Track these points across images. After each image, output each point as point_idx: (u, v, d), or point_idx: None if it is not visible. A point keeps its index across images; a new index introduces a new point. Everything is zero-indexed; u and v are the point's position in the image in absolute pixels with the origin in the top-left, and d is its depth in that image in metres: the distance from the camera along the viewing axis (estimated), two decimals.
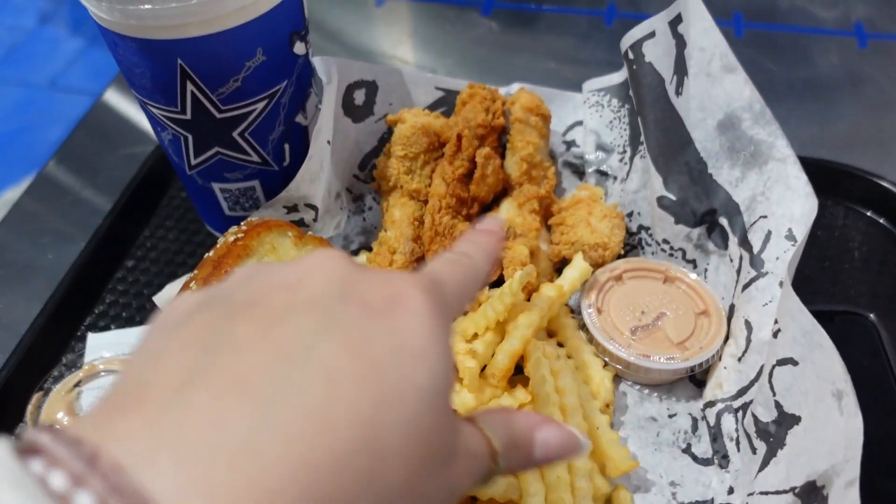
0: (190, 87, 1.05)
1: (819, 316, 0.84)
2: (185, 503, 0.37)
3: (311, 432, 0.40)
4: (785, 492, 0.80)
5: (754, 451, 0.92)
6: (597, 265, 1.14)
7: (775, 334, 0.89)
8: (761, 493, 0.84)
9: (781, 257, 0.99)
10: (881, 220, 1.31)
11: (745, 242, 1.05)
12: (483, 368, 1.03)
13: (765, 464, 0.87)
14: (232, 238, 1.07)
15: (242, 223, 1.11)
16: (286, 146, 1.20)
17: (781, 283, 0.97)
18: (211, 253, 1.06)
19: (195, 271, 1.04)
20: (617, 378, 1.08)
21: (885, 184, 1.30)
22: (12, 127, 3.75)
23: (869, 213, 1.32)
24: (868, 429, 0.76)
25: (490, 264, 0.71)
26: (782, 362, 0.87)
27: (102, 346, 1.27)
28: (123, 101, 1.71)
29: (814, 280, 1.26)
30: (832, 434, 0.78)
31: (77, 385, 1.21)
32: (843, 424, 0.76)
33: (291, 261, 0.55)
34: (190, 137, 1.14)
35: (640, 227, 1.21)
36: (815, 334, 0.82)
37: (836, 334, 1.08)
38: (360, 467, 0.41)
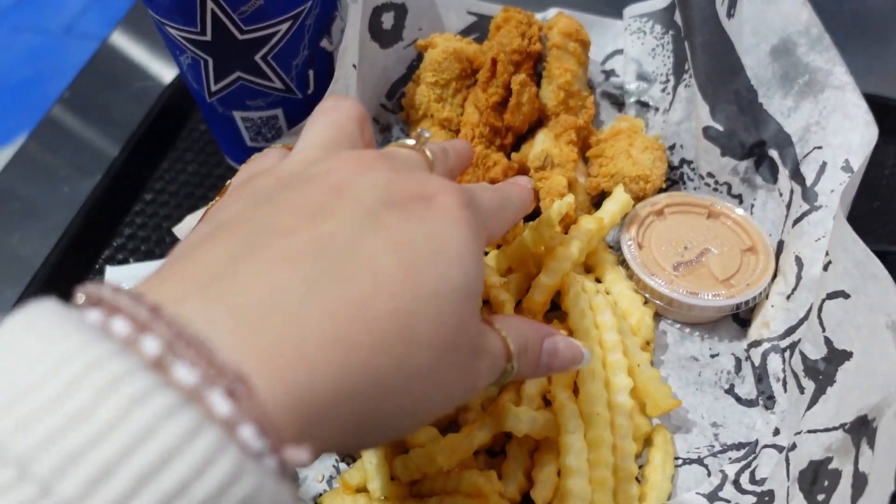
0: (210, 4, 0.99)
1: (880, 256, 0.79)
2: (242, 357, 0.39)
3: (353, 317, 0.43)
4: (834, 428, 0.76)
5: (802, 390, 0.87)
6: (637, 199, 1.08)
7: (825, 267, 0.84)
8: (809, 431, 0.80)
9: (837, 189, 0.93)
10: None
11: (797, 175, 0.99)
12: (518, 303, 0.99)
13: (813, 402, 0.83)
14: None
15: (266, 149, 1.06)
16: (310, 72, 1.14)
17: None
18: (234, 180, 1.01)
19: (216, 198, 0.99)
20: (657, 316, 1.03)
21: None
22: (27, 74, 3.69)
23: None
24: None
25: (524, 204, 0.74)
26: (833, 296, 0.82)
27: (121, 279, 1.24)
28: (132, 43, 1.64)
29: (862, 220, 1.19)
30: (886, 367, 0.73)
31: None
32: None
33: (335, 157, 0.55)
34: (210, 61, 1.09)
35: (683, 161, 1.15)
36: (870, 265, 0.77)
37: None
38: (396, 353, 0.45)
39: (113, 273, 1.24)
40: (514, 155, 1.09)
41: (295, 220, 0.47)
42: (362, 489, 0.89)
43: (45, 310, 0.38)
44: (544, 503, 0.84)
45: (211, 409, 0.37)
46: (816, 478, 0.74)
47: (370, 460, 0.88)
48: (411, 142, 0.65)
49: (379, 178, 0.52)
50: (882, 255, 1.12)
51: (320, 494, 0.92)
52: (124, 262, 1.27)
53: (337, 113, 0.64)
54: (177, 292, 0.42)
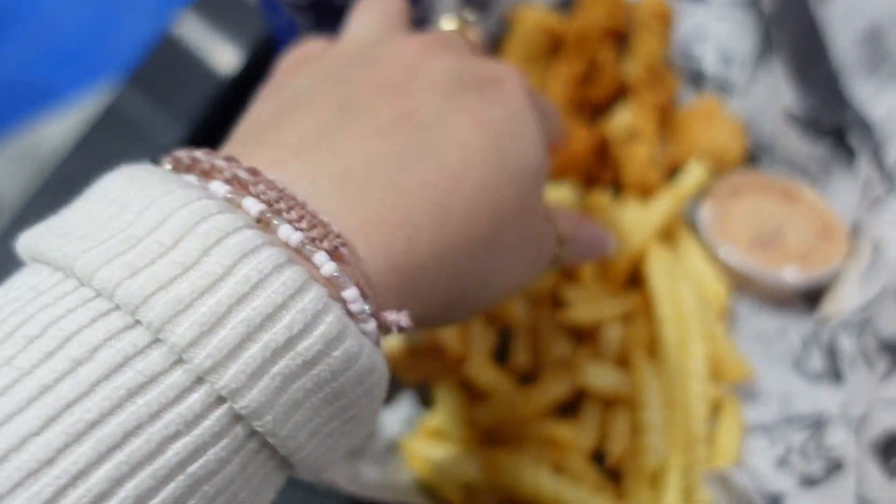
0: None
1: None
2: (345, 220, 0.40)
3: (447, 186, 0.44)
4: None
5: (872, 366, 0.90)
6: (714, 175, 1.11)
7: None
8: (882, 401, 0.82)
9: None
10: None
11: (876, 158, 1.01)
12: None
13: (886, 376, 0.85)
14: None
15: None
16: None
17: None
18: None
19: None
20: (730, 290, 1.06)
21: None
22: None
23: None
24: None
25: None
26: None
27: None
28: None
29: None
30: None
31: None
32: None
33: (397, 39, 0.54)
34: (308, 26, 1.13)
35: (759, 144, 1.17)
36: None
37: None
38: (486, 226, 0.46)
39: None
40: (595, 126, 1.12)
41: (375, 98, 0.47)
42: (440, 433, 0.94)
43: (144, 168, 0.38)
44: (617, 456, 0.88)
45: (316, 268, 0.38)
46: (891, 446, 0.77)
47: (448, 405, 0.92)
48: (453, 26, 0.63)
49: (449, 60, 0.51)
50: None
51: (399, 437, 0.97)
52: None
53: (385, 3, 0.62)
54: (271, 158, 0.42)
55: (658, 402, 0.87)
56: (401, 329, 0.42)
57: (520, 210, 0.49)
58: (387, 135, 0.44)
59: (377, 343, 0.41)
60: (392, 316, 0.41)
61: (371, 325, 0.40)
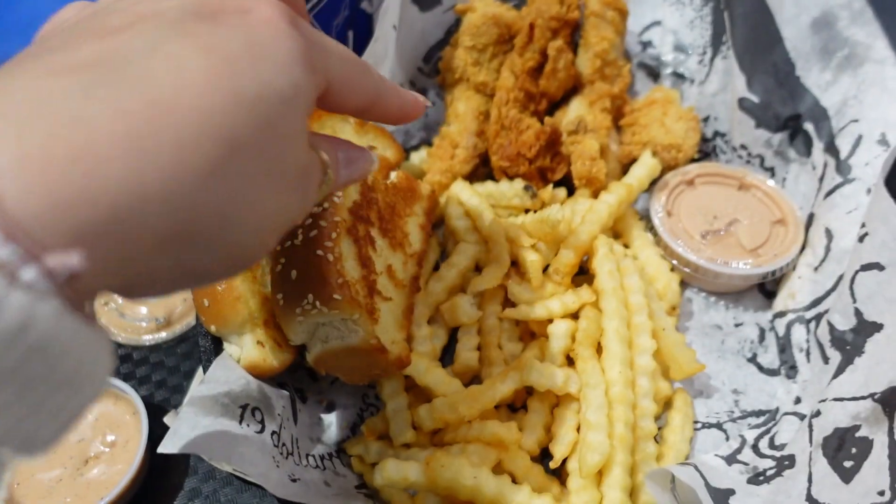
0: None
1: None
2: (24, 169, 0.36)
3: (151, 114, 0.40)
4: (863, 398, 0.76)
5: (826, 360, 0.87)
6: (669, 167, 1.09)
7: (861, 238, 0.84)
8: (835, 399, 0.80)
9: (871, 163, 0.93)
10: None
11: (831, 148, 0.99)
12: (546, 268, 1.00)
13: (839, 371, 0.83)
14: None
15: None
16: (350, 32, 1.16)
17: (869, 190, 0.91)
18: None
19: None
20: (682, 284, 1.04)
21: None
22: None
23: None
24: None
25: (382, 93, 0.64)
26: (867, 267, 0.82)
27: None
28: None
29: None
30: None
31: None
32: None
33: None
34: None
35: (716, 134, 1.15)
36: None
37: None
38: (212, 155, 0.42)
39: None
40: (547, 119, 1.09)
41: (81, 41, 0.43)
42: (384, 436, 0.91)
43: None
44: (562, 457, 0.85)
45: None
46: (842, 445, 0.75)
47: (392, 408, 0.90)
48: None
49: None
50: None
51: (344, 440, 0.94)
52: None
53: None
54: None
55: (602, 401, 0.84)
56: (73, 269, 0.37)
57: (263, 137, 0.45)
58: (73, 72, 0.41)
59: (68, 302, 0.37)
60: (56, 257, 0.36)
61: (31, 273, 0.35)
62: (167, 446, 0.74)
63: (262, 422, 0.82)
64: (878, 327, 0.79)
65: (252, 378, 0.86)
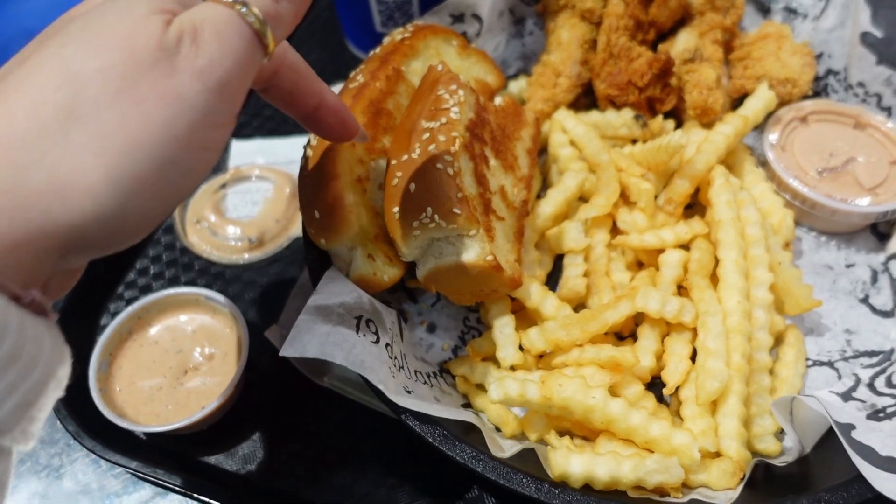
0: None
1: None
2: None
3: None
4: None
5: None
6: (783, 102, 1.05)
7: None
8: None
9: None
10: None
11: None
12: (656, 197, 0.98)
13: None
14: (399, 37, 1.02)
15: (409, 24, 1.06)
16: None
17: None
18: (377, 50, 1.01)
19: (361, 66, 1.00)
20: (795, 223, 1.01)
21: None
22: None
23: None
24: None
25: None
26: None
27: (246, 152, 1.26)
28: None
29: None
30: None
31: (223, 187, 1.21)
32: None
33: None
34: None
35: (829, 72, 1.11)
36: None
37: None
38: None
39: (239, 147, 1.27)
40: (659, 46, 1.06)
41: None
42: (489, 358, 0.90)
43: None
44: (675, 385, 0.84)
45: None
46: None
47: (500, 329, 0.89)
48: None
49: None
50: None
51: (446, 361, 0.94)
52: (250, 137, 1.29)
53: None
54: None
55: (721, 329, 0.83)
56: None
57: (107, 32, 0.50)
58: None
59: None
60: None
61: None
62: (289, 350, 0.74)
63: (376, 332, 0.82)
64: None
65: (363, 292, 0.85)
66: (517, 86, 1.17)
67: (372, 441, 0.93)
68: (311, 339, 0.75)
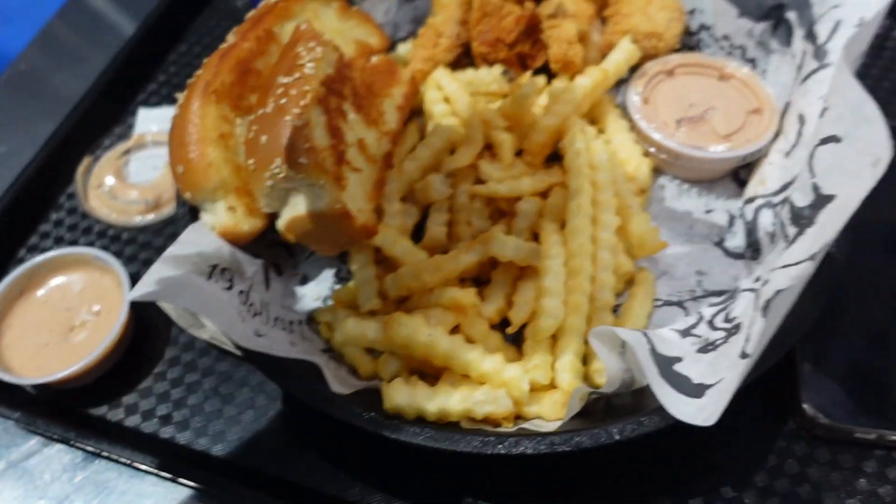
0: None
1: None
2: None
3: None
4: (804, 260, 0.77)
5: (786, 238, 0.88)
6: (649, 56, 1.08)
7: (822, 114, 0.83)
8: (783, 266, 0.81)
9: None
10: None
11: (810, 35, 0.98)
12: (519, 153, 1.01)
13: (791, 243, 0.84)
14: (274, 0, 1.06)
15: None
16: None
17: None
18: (252, 12, 1.04)
19: (234, 28, 1.03)
20: (657, 171, 1.05)
21: None
22: None
23: None
24: None
25: None
26: (825, 141, 0.81)
27: (152, 120, 1.30)
28: None
29: (885, 100, 1.18)
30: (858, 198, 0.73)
31: (126, 153, 1.25)
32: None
33: None
34: None
35: (701, 27, 1.14)
36: (864, 108, 0.76)
37: None
38: None
39: (145, 114, 1.30)
40: (527, 4, 1.09)
41: None
42: (353, 305, 0.94)
43: None
44: (520, 323, 0.88)
45: None
46: (770, 302, 0.76)
47: (361, 277, 0.93)
48: None
49: None
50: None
51: (315, 310, 0.98)
52: (157, 105, 1.33)
53: None
54: None
55: (559, 270, 0.86)
56: None
57: None
58: None
59: None
60: None
61: None
62: (134, 293, 0.78)
63: (230, 280, 0.85)
64: (830, 199, 0.80)
65: (225, 243, 0.89)
66: (406, 48, 1.20)
67: (250, 391, 0.98)
68: (159, 284, 0.79)
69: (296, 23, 1.07)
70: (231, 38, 1.00)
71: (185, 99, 0.94)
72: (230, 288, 0.85)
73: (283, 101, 0.86)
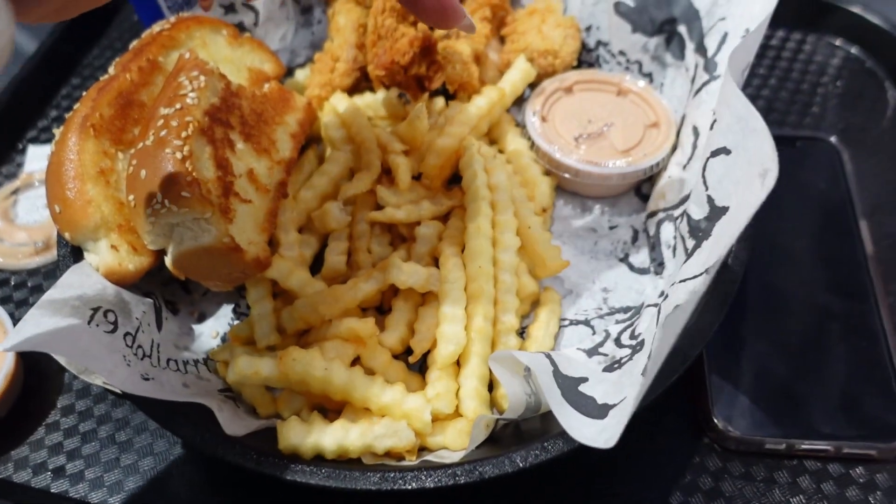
0: None
1: (781, 141, 0.80)
2: None
3: None
4: (699, 275, 0.77)
5: (686, 251, 0.88)
6: (546, 74, 1.08)
7: (712, 126, 0.84)
8: (681, 280, 0.81)
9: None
10: (858, 54, 1.25)
11: (700, 48, 0.99)
12: (418, 177, 0.99)
13: (689, 256, 0.84)
14: (158, 28, 1.02)
15: (171, 17, 1.05)
16: None
17: None
18: (135, 42, 1.00)
19: (116, 58, 0.99)
20: (559, 190, 1.04)
21: (870, 17, 1.24)
22: None
23: (851, 50, 1.26)
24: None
25: None
26: (716, 153, 0.82)
27: (42, 157, 1.24)
28: None
29: (782, 110, 1.20)
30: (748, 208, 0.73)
31: (14, 192, 1.19)
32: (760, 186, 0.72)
33: None
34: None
35: (599, 43, 1.15)
36: (750, 119, 0.77)
37: (797, 158, 1.04)
38: None
39: (35, 152, 1.24)
40: (420, 26, 1.08)
41: None
42: (251, 342, 0.90)
43: None
44: (422, 351, 0.85)
45: None
46: (668, 318, 0.76)
47: (257, 312, 0.89)
48: None
49: None
50: (795, 140, 1.13)
51: (211, 349, 0.93)
52: (47, 143, 1.27)
53: None
54: None
55: (458, 295, 0.84)
56: None
57: None
58: None
59: None
60: None
61: None
62: (6, 343, 0.73)
63: (114, 323, 0.81)
64: (724, 211, 0.80)
65: (109, 284, 0.85)
66: (304, 74, 1.18)
67: (150, 437, 0.93)
68: (35, 332, 0.74)
69: (181, 52, 1.03)
70: (112, 69, 0.96)
71: (62, 134, 0.89)
72: (114, 331, 0.80)
73: (164, 132, 0.83)
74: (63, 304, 0.78)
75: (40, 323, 0.75)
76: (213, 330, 0.96)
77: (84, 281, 0.83)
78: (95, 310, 0.80)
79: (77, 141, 0.87)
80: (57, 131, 0.91)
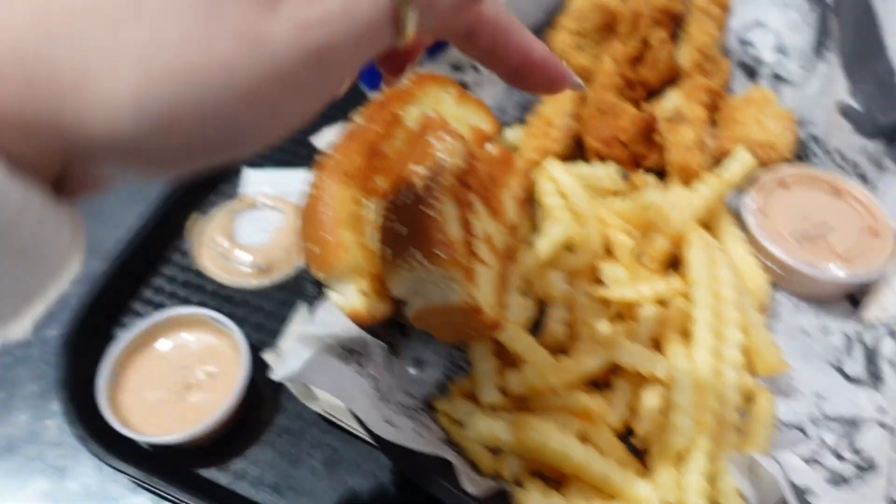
0: None
1: None
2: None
3: None
4: None
5: None
6: (762, 165, 1.10)
7: None
8: None
9: None
10: None
11: None
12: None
13: None
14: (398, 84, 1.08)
15: (409, 73, 1.11)
16: None
17: None
18: (378, 95, 1.07)
19: (360, 109, 1.05)
20: (772, 286, 1.05)
21: None
22: None
23: None
24: None
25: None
26: None
27: (256, 181, 1.31)
28: None
29: None
30: None
31: (234, 212, 1.26)
32: None
33: None
34: None
35: (811, 137, 1.16)
36: None
37: None
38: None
39: (249, 175, 1.32)
40: (644, 105, 1.11)
41: None
42: (471, 396, 0.95)
43: None
44: (644, 434, 0.88)
45: None
46: None
47: (481, 370, 0.93)
48: None
49: None
50: None
51: (431, 396, 0.98)
52: (260, 166, 1.34)
53: None
54: None
55: (689, 385, 0.86)
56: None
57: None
58: None
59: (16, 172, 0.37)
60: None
61: None
62: (278, 374, 0.79)
63: (363, 365, 0.86)
64: None
65: (354, 325, 0.90)
66: (513, 133, 1.22)
67: (357, 470, 0.98)
68: (301, 366, 0.80)
69: (418, 107, 1.09)
70: (358, 119, 1.02)
71: (319, 179, 0.95)
72: (363, 373, 0.85)
73: (420, 190, 0.88)
74: (320, 340, 0.84)
75: (304, 358, 0.81)
76: (431, 378, 1.00)
77: (335, 320, 0.89)
78: (348, 350, 0.86)
79: (334, 186, 0.94)
80: (313, 176, 0.97)
